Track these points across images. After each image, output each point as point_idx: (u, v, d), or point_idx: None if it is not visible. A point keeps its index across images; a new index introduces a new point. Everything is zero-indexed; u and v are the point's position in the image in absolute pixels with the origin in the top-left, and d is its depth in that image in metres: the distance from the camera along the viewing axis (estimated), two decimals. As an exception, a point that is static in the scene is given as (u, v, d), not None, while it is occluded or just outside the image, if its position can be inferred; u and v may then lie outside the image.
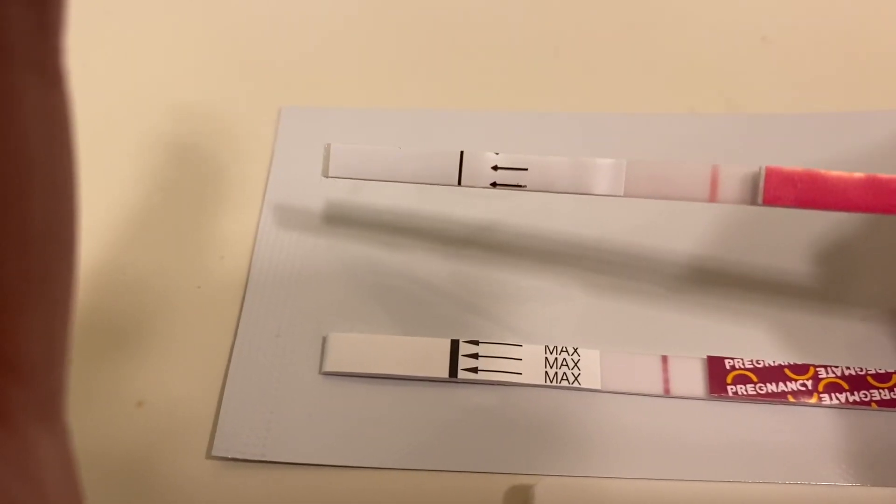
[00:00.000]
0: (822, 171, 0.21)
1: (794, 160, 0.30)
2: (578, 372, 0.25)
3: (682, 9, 0.36)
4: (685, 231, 0.28)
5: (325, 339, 0.26)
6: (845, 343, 0.26)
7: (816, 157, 0.30)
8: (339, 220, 0.29)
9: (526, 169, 0.23)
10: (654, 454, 0.24)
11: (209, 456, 0.24)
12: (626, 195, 0.23)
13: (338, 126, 0.32)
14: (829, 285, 0.27)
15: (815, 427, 0.24)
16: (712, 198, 0.22)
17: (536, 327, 0.26)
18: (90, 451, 0.23)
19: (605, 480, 0.23)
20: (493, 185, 0.23)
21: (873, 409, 0.24)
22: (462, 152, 0.23)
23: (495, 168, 0.23)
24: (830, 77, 0.33)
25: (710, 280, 0.27)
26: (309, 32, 0.36)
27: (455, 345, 0.25)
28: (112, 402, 0.25)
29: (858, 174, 0.21)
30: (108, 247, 0.29)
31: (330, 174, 0.24)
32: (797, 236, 0.28)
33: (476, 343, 0.25)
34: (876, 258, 0.28)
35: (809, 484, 0.23)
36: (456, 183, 0.23)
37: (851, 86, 0.33)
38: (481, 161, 0.23)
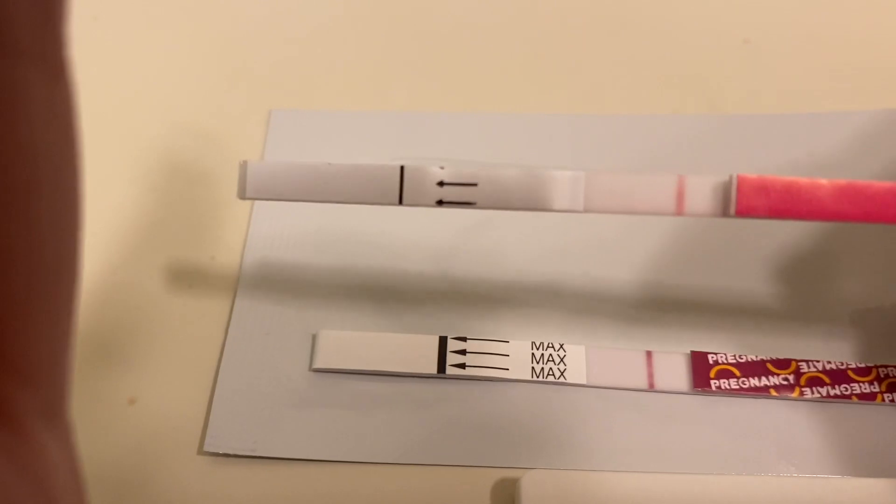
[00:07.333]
0: (797, 178, 0.20)
1: (776, 160, 0.31)
2: (564, 367, 0.25)
3: (665, 11, 0.36)
4: (668, 231, 0.29)
5: (314, 337, 0.26)
6: (825, 340, 0.26)
7: (797, 156, 0.31)
8: (328, 219, 0.29)
9: (475, 184, 0.20)
10: (638, 448, 0.24)
11: (201, 452, 0.24)
12: (585, 211, 0.20)
13: (327, 128, 0.32)
14: (810, 284, 0.28)
15: (797, 420, 0.25)
16: (679, 211, 0.20)
17: (523, 325, 0.27)
18: (82, 447, 0.23)
19: (591, 473, 0.23)
20: (440, 203, 0.21)
21: (854, 403, 0.25)
22: (402, 167, 0.21)
23: (441, 184, 0.20)
24: (812, 78, 0.34)
25: (693, 281, 0.28)
26: (300, 35, 0.36)
27: (443, 341, 0.26)
28: (104, 400, 0.25)
29: (836, 181, 0.20)
30: (100, 247, 0.29)
31: (246, 196, 0.21)
32: (777, 236, 0.29)
33: (464, 340, 0.26)
34: (854, 256, 0.28)
35: (791, 476, 0.24)
36: (396, 202, 0.21)
37: (832, 87, 0.33)
38: (425, 176, 0.21)
